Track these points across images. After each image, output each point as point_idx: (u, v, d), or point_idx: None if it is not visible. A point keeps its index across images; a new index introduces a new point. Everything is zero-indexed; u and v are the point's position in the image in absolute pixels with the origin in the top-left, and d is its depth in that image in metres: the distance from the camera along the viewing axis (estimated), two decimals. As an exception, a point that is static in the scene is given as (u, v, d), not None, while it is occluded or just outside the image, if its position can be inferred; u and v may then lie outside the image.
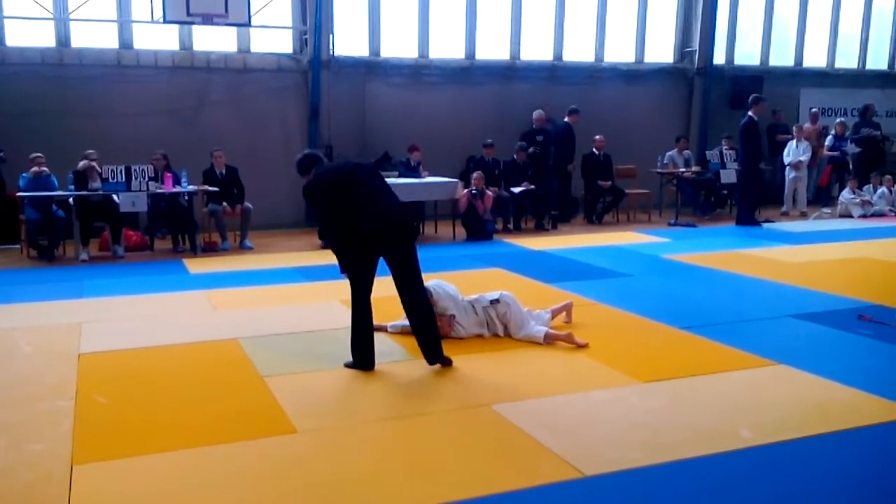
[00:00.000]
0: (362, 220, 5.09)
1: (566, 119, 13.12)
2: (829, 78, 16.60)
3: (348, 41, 13.15)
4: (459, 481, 3.69)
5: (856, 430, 4.25)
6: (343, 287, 7.88)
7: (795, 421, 4.40)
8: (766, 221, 12.57)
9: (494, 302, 6.02)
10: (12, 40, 11.43)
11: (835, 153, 14.58)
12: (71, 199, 9.82)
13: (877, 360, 5.53)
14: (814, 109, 15.06)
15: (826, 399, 4.75)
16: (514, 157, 12.28)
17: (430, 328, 5.31)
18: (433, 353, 5.29)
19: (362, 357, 5.29)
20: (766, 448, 4.02)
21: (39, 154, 9.96)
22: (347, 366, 5.31)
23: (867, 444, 4.12)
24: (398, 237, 5.22)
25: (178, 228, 10.59)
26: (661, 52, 15.43)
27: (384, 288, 7.73)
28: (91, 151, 10.10)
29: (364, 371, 5.25)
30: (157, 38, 12.10)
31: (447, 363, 5.31)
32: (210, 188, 10.48)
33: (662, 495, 3.55)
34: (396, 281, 5.29)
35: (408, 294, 5.30)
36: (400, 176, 11.86)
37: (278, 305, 7.22)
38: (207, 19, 11.41)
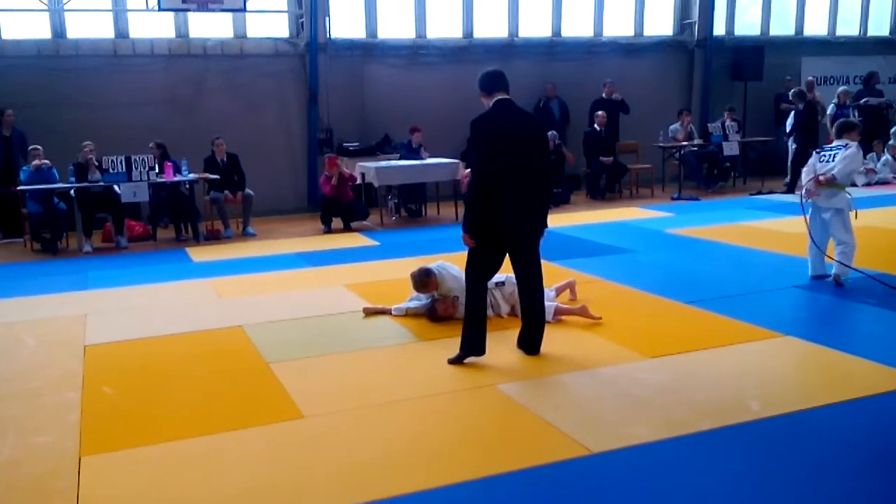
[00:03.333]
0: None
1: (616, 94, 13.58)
2: (830, 46, 16.44)
3: (345, 23, 13.04)
4: (467, 462, 3.69)
5: (863, 399, 4.24)
6: (348, 271, 7.93)
7: (803, 392, 4.40)
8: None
9: (500, 284, 6.00)
10: (8, 33, 11.36)
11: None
12: (72, 191, 9.81)
13: (882, 328, 5.51)
14: (809, 78, 14.92)
15: (833, 369, 4.75)
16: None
17: (539, 323, 5.16)
18: (534, 345, 5.16)
19: (475, 342, 4.99)
20: (774, 420, 4.02)
21: (37, 147, 9.94)
22: (451, 361, 5.01)
23: (875, 413, 4.11)
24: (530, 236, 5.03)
25: (180, 217, 10.58)
26: (661, 24, 15.28)
27: (388, 270, 7.75)
28: (87, 143, 10.06)
29: (476, 356, 5.00)
30: (152, 27, 12.01)
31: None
32: (211, 176, 10.45)
33: (671, 470, 3.55)
34: (517, 270, 5.14)
35: (527, 287, 5.14)
36: (401, 158, 11.83)
37: (282, 291, 7.21)
38: (202, 6, 11.34)
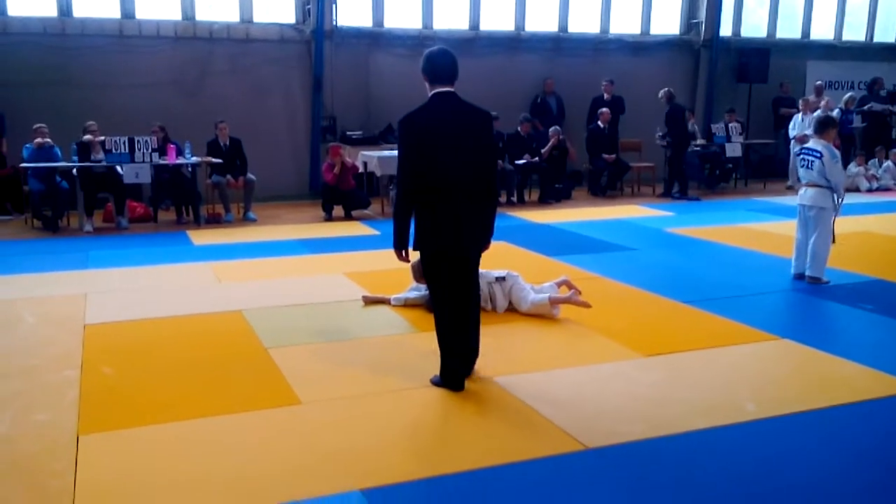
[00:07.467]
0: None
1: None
2: (836, 51, 16.44)
3: (351, 11, 13.03)
4: (462, 453, 3.71)
5: (857, 405, 4.26)
6: (347, 259, 7.95)
7: (797, 394, 4.42)
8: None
9: (500, 279, 6.02)
10: (14, 10, 11.33)
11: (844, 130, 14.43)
12: (74, 170, 9.81)
13: (878, 334, 5.54)
14: (818, 83, 14.92)
15: (828, 373, 4.77)
16: (518, 129, 12.23)
17: (472, 353, 4.63)
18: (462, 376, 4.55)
19: (450, 376, 4.50)
20: (767, 421, 4.04)
21: (42, 125, 9.95)
22: (434, 382, 4.56)
23: (868, 418, 4.13)
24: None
25: (181, 200, 10.59)
26: (668, 23, 15.27)
27: (387, 260, 7.76)
28: (91, 123, 10.06)
29: (454, 391, 4.47)
30: (159, 8, 12.00)
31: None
32: (214, 160, 10.45)
33: (664, 468, 3.58)
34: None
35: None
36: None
37: (282, 277, 7.23)
38: (210, -11, 11.32)
